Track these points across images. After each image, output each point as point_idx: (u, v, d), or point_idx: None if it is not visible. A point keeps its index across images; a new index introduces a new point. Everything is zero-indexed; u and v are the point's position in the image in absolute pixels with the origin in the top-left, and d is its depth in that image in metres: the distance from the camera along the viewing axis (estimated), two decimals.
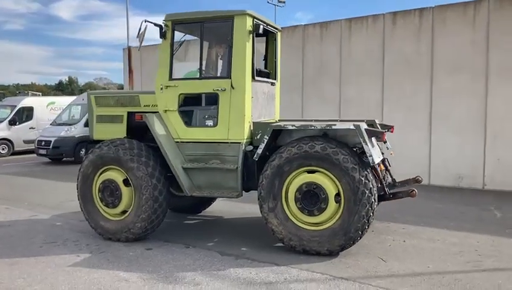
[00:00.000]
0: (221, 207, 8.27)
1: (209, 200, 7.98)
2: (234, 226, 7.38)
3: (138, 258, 5.63)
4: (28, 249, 6.09)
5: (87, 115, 17.44)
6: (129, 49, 7.79)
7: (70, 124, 17.15)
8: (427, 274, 4.89)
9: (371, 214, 5.34)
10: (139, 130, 6.88)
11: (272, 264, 5.29)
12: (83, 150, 17.03)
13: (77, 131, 16.82)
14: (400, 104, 11.14)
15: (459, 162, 10.31)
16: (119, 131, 6.89)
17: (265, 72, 6.94)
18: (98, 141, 7.10)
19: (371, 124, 6.33)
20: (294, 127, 5.74)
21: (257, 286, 4.66)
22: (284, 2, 26.49)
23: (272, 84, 7.05)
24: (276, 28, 7.06)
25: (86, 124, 17.23)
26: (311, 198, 5.48)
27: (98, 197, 6.42)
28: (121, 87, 53.28)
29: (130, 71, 7.86)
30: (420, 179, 6.60)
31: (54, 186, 11.21)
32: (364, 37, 11.74)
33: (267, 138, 5.75)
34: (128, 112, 6.88)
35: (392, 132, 5.75)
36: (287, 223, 5.60)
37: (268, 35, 7.11)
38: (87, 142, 7.42)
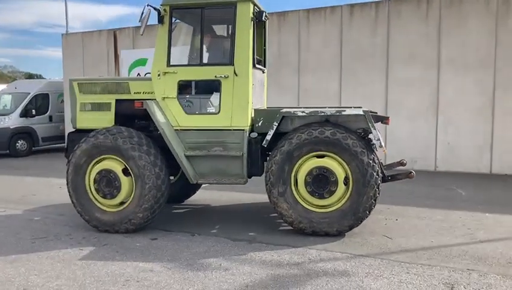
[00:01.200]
0: (206, 196, 8.24)
1: (194, 189, 7.92)
2: (228, 213, 7.41)
3: (148, 248, 5.51)
4: (20, 245, 5.71)
5: (23, 104, 16.50)
6: (115, 33, 7.44)
7: (2, 115, 16.00)
8: (435, 248, 5.32)
9: (378, 195, 5.67)
10: (126, 118, 6.68)
11: (288, 246, 5.44)
12: (19, 141, 16.04)
13: (12, 122, 15.78)
14: (356, 93, 11.71)
15: (413, 146, 11.09)
16: (106, 119, 6.63)
17: (258, 59, 7.00)
18: (81, 131, 6.83)
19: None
20: (304, 114, 5.89)
21: (287, 267, 4.78)
22: None
23: (263, 71, 7.14)
24: (266, 16, 7.14)
25: (23, 114, 16.16)
26: (321, 181, 5.69)
27: (93, 188, 6.14)
28: (29, 76, 49.51)
29: (116, 56, 7.51)
30: (405, 162, 7.07)
31: (2, 181, 10.45)
32: (322, 28, 12.15)
33: (277, 124, 5.86)
34: (117, 100, 6.63)
35: (388, 123, 6.10)
36: (297, 206, 5.78)
37: (259, 23, 7.15)
38: (70, 132, 7.04)
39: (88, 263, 5.03)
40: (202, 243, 5.64)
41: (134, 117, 6.76)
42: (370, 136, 5.95)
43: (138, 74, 15.07)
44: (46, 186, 9.75)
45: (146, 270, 4.80)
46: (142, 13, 6.01)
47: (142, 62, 15.04)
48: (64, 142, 16.85)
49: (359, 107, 6.52)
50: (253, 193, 8.38)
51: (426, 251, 5.21)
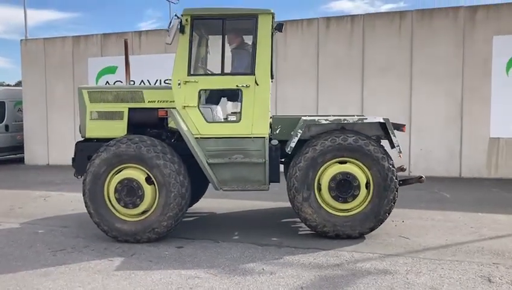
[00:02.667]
0: (206, 204, 8.27)
1: (197, 197, 7.94)
2: (239, 219, 7.50)
3: (180, 256, 5.51)
4: (43, 258, 5.50)
5: None
6: (125, 41, 7.31)
7: None
8: (453, 245, 5.74)
9: (396, 198, 6.03)
10: (138, 127, 6.66)
11: (318, 249, 5.65)
12: None
13: None
14: (333, 102, 12.20)
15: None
16: (118, 128, 6.57)
17: None
18: (90, 140, 6.72)
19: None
20: (327, 122, 6.16)
21: (330, 269, 4.99)
22: (178, 0, 26.40)
23: (272, 81, 7.34)
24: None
25: None
26: (343, 186, 5.97)
27: (113, 198, 6.05)
28: None
29: (127, 64, 7.39)
30: (404, 167, 7.53)
31: None
32: (299, 39, 12.56)
33: (301, 131, 6.08)
34: (129, 108, 6.59)
35: (403, 130, 6.49)
36: (320, 211, 6.01)
37: None
38: (78, 141, 6.87)
39: (128, 273, 4.96)
40: (232, 249, 5.72)
41: (146, 126, 6.74)
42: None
43: (107, 82, 14.80)
44: (29, 199, 9.33)
45: (192, 277, 4.83)
46: (170, 23, 6.03)
47: (111, 70, 14.80)
48: (23, 153, 16.18)
49: (359, 116, 6.88)
50: (253, 200, 8.53)
51: (447, 249, 5.62)
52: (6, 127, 16.24)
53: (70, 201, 9.02)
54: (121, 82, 14.50)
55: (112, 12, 67.37)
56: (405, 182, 6.54)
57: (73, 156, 6.83)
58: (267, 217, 7.62)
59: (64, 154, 15.11)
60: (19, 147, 16.48)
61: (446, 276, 4.70)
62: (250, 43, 6.77)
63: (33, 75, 15.68)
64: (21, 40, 16.09)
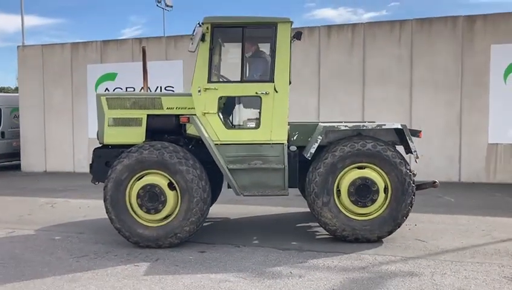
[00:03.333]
0: (218, 210, 8.33)
1: (211, 203, 7.99)
2: (253, 225, 7.59)
3: (205, 260, 5.57)
4: (67, 264, 5.51)
5: None
6: (143, 48, 7.37)
7: None
8: (469, 248, 5.91)
9: (413, 201, 6.19)
10: (155, 133, 6.73)
11: (340, 253, 5.76)
12: None
13: None
14: (334, 109, 12.38)
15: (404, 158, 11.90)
16: (136, 134, 6.64)
17: None
18: (107, 146, 6.77)
19: None
20: (346, 128, 6.31)
21: (357, 271, 5.10)
22: (172, 7, 26.42)
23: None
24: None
25: None
26: (362, 191, 6.11)
27: (135, 203, 6.09)
28: None
29: (145, 72, 7.45)
30: (415, 173, 7.69)
31: None
32: (300, 48, 12.68)
33: (321, 137, 6.21)
34: (148, 115, 6.66)
35: (420, 136, 6.66)
36: (340, 215, 6.14)
37: None
38: (96, 148, 6.90)
39: (157, 278, 5.00)
40: (255, 254, 5.80)
41: (164, 132, 6.81)
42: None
43: (106, 88, 14.80)
44: (35, 206, 9.28)
45: (223, 280, 4.90)
46: (194, 30, 6.13)
47: (110, 76, 14.81)
48: (19, 160, 16.02)
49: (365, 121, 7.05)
50: (264, 206, 8.64)
51: (464, 251, 5.78)
52: (2, 133, 16.09)
53: (79, 207, 9.01)
54: (121, 89, 14.53)
55: (94, 19, 67.03)
56: (419, 187, 6.69)
57: (90, 163, 6.86)
58: (282, 222, 7.72)
59: (63, 161, 15.11)
60: (15, 154, 16.33)
61: (471, 277, 4.84)
62: (265, 50, 6.93)
63: (30, 82, 15.59)
64: (18, 46, 16.00)
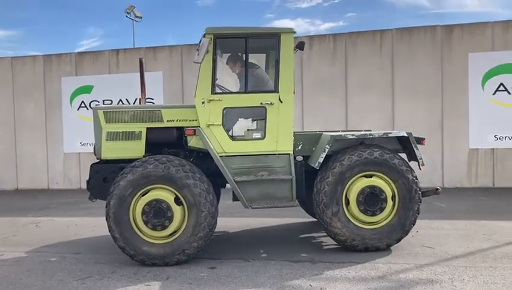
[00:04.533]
0: None
1: None
2: (256, 237, 7.44)
3: (219, 277, 5.40)
4: (73, 287, 5.22)
5: None
6: (140, 60, 7.15)
7: None
8: (477, 252, 6.00)
9: (420, 209, 6.24)
10: (155, 146, 6.55)
11: (353, 263, 5.72)
12: None
13: None
14: (318, 118, 12.45)
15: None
16: (136, 148, 6.43)
17: None
18: (107, 161, 6.52)
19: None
20: (354, 137, 6.31)
21: (376, 281, 5.06)
22: (141, 17, 26.04)
23: None
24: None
25: None
26: (371, 200, 6.11)
27: (140, 220, 5.86)
28: None
29: (142, 84, 7.22)
30: None
31: None
32: None
33: (329, 147, 6.18)
34: (148, 128, 6.46)
35: (423, 144, 6.72)
36: (349, 225, 6.11)
37: None
38: (93, 163, 6.63)
39: None
40: (267, 268, 5.68)
41: (164, 145, 6.63)
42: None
43: (82, 101, 14.39)
44: (18, 226, 8.82)
45: None
46: (200, 41, 6.00)
47: (86, 89, 14.42)
48: None
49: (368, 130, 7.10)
50: (261, 217, 8.52)
51: (474, 255, 5.86)
52: None
53: (67, 226, 8.63)
54: (98, 102, 14.13)
55: (49, 31, 65.12)
56: (423, 194, 6.75)
57: (88, 179, 6.58)
58: (285, 233, 7.63)
59: (36, 178, 14.51)
60: None
61: (490, 282, 4.90)
62: (256, 62, 6.88)
63: (0, 95, 14.92)
64: None
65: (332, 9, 66.76)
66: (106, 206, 5.91)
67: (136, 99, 13.83)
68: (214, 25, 6.19)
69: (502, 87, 11.46)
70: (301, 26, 79.04)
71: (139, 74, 7.38)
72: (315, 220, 7.96)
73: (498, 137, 11.54)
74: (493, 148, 11.65)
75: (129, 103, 13.78)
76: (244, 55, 6.34)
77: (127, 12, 25.13)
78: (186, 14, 69.17)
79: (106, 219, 5.91)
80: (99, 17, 63.28)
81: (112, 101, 13.97)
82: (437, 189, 6.69)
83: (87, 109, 14.23)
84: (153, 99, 13.75)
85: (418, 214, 6.23)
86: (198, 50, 6.02)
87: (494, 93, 11.52)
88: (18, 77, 14.85)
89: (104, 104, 13.87)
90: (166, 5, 68.41)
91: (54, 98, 14.52)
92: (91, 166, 6.58)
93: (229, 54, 6.80)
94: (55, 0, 69.48)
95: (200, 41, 6.05)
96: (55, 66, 14.56)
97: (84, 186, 13.94)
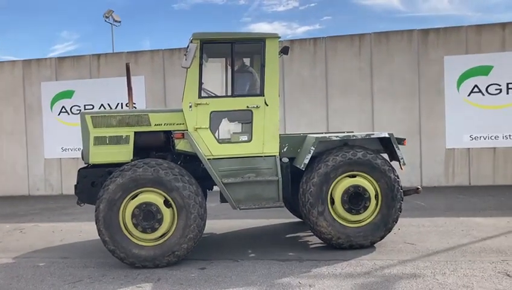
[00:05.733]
0: None
1: None
2: (243, 238, 7.55)
3: (210, 277, 5.51)
4: None
5: None
6: (127, 65, 7.18)
7: None
8: (457, 247, 6.26)
9: (402, 207, 6.48)
10: (143, 150, 6.64)
11: (339, 260, 5.90)
12: None
13: None
14: (300, 120, 12.67)
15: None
16: (124, 153, 6.50)
17: None
18: (94, 166, 6.57)
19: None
20: (338, 138, 6.50)
21: (363, 277, 5.25)
22: (120, 22, 25.90)
23: None
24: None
25: None
26: (355, 199, 6.31)
27: (130, 223, 5.93)
28: None
29: (129, 89, 7.26)
30: None
31: None
32: None
33: (314, 148, 6.36)
34: (135, 132, 6.54)
35: (404, 144, 6.94)
36: (334, 223, 6.31)
37: None
38: (81, 168, 6.67)
39: None
40: (256, 267, 5.81)
41: (152, 149, 6.72)
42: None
43: (63, 106, 14.30)
44: (2, 232, 8.75)
45: None
46: (188, 47, 6.12)
47: (67, 94, 14.35)
48: None
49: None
50: (244, 219, 8.66)
51: (453, 250, 6.12)
52: None
53: (52, 231, 8.60)
54: (79, 106, 14.07)
55: (20, 35, 63.89)
56: (404, 193, 6.99)
57: (75, 183, 6.62)
58: (270, 233, 7.78)
59: (16, 185, 14.34)
60: None
61: (470, 275, 5.14)
62: (252, 65, 7.05)
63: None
64: None
65: (308, 13, 67.43)
66: (96, 210, 5.96)
67: (118, 104, 13.84)
68: (191, 29, 6.34)
69: (476, 89, 11.87)
70: (278, 30, 79.66)
71: (124, 78, 7.48)
72: (300, 220, 8.15)
73: (473, 137, 11.94)
74: (469, 148, 12.04)
75: (111, 108, 13.76)
76: (230, 59, 6.48)
77: (106, 17, 24.99)
78: (162, 17, 68.80)
79: (96, 222, 5.96)
80: (72, 21, 62.38)
81: (93, 106, 13.92)
82: (418, 188, 6.92)
83: (68, 114, 14.17)
84: (135, 104, 13.76)
85: (400, 212, 6.46)
86: (186, 55, 6.13)
87: (469, 95, 11.92)
88: None
89: (85, 109, 13.82)
90: (141, 8, 67.91)
91: (33, 103, 14.39)
92: (79, 171, 6.62)
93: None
94: (25, 4, 68.25)
95: (188, 46, 6.16)
96: (35, 71, 14.43)
97: (65, 191, 13.96)
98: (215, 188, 6.62)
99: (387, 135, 6.57)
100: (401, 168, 6.70)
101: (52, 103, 14.34)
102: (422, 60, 12.16)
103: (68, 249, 7.28)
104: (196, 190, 6.01)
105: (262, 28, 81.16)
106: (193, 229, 5.95)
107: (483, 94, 11.87)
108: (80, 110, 13.77)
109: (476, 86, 11.88)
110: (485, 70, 11.81)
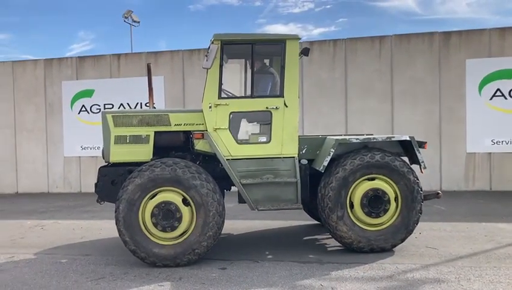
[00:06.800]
0: None
1: None
2: (261, 239, 7.55)
3: (230, 277, 5.51)
4: (88, 287, 5.30)
5: None
6: (148, 65, 7.25)
7: None
8: (481, 253, 6.16)
9: (422, 208, 6.40)
10: (162, 150, 6.67)
11: (361, 263, 5.84)
12: None
13: None
14: (318, 122, 12.62)
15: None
16: (143, 152, 6.54)
17: None
18: (115, 164, 6.62)
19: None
20: (358, 140, 6.46)
21: (385, 281, 5.19)
22: (139, 22, 26.16)
23: None
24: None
25: None
26: (374, 202, 6.25)
27: (149, 223, 5.97)
28: None
29: (150, 89, 7.33)
30: None
31: None
32: None
33: (333, 150, 6.32)
34: (155, 132, 6.57)
35: (425, 147, 6.87)
36: (354, 227, 6.25)
37: None
38: (101, 166, 6.73)
39: None
40: (277, 268, 5.79)
41: (171, 149, 6.75)
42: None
43: (83, 105, 14.46)
44: (24, 229, 8.87)
45: None
46: (209, 47, 6.14)
47: (87, 93, 14.50)
48: None
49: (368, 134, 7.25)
50: (265, 220, 8.64)
51: (477, 256, 6.02)
52: None
53: (73, 229, 8.70)
54: (99, 106, 14.22)
55: (39, 34, 64.78)
56: (424, 197, 6.90)
57: (96, 182, 6.68)
58: (288, 235, 7.76)
59: (36, 182, 14.54)
60: None
61: (495, 281, 5.05)
62: (272, 66, 7.04)
63: (0, 99, 14.95)
64: None
65: (324, 15, 67.10)
66: (115, 211, 6.01)
67: (137, 103, 13.96)
68: (206, 30, 6.38)
69: (498, 93, 11.69)
70: (293, 31, 79.52)
71: (144, 78, 7.55)
72: (317, 222, 8.11)
73: (495, 141, 11.75)
74: (490, 153, 11.86)
75: (130, 107, 13.88)
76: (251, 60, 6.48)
77: (125, 17, 25.26)
78: (178, 18, 69.12)
79: (116, 223, 6.00)
80: (89, 21, 63.09)
81: (112, 105, 14.06)
82: (438, 193, 6.84)
83: (88, 112, 14.33)
84: (155, 103, 13.83)
85: (421, 213, 6.38)
86: (207, 56, 6.16)
87: (491, 99, 11.74)
88: (19, 81, 14.90)
89: (105, 108, 13.97)
90: (157, 9, 68.35)
91: (54, 101, 14.59)
92: (99, 169, 6.68)
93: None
94: (44, 4, 69.27)
95: (209, 47, 6.18)
96: (56, 70, 14.64)
97: (84, 189, 14.12)
98: (233, 188, 6.63)
99: (408, 138, 6.49)
100: (422, 172, 6.61)
101: (73, 102, 14.52)
102: (443, 63, 12.02)
103: (89, 246, 7.35)
104: (214, 188, 6.02)
105: (277, 29, 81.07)
106: (212, 226, 5.96)
107: (505, 98, 11.68)
108: (100, 109, 13.93)
109: (498, 89, 11.71)
110: (508, 73, 11.63)
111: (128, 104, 14.00)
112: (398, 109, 12.28)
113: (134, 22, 25.79)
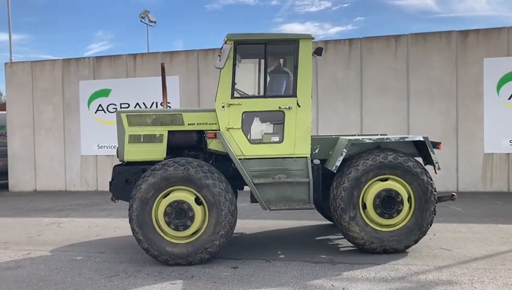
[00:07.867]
0: None
1: None
2: (273, 239, 7.55)
3: (242, 276, 5.53)
4: (102, 285, 5.38)
5: None
6: (162, 65, 7.33)
7: None
8: (496, 255, 6.07)
9: (436, 209, 6.33)
10: (176, 149, 6.71)
11: (373, 264, 5.81)
12: None
13: None
14: (333, 122, 12.56)
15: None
16: (157, 151, 6.59)
17: None
18: (129, 163, 6.69)
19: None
20: (371, 141, 6.42)
21: (397, 282, 5.15)
22: (155, 22, 26.41)
23: None
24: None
25: None
26: (387, 203, 6.20)
27: (162, 221, 6.02)
28: None
29: (164, 88, 7.41)
30: None
31: None
32: None
33: (346, 150, 6.29)
34: (169, 131, 6.62)
35: (439, 148, 6.79)
36: (367, 228, 6.21)
37: None
38: (116, 165, 6.82)
39: None
40: (289, 268, 5.80)
41: (185, 148, 6.79)
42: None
43: (100, 104, 14.64)
44: (41, 226, 9.04)
45: None
46: (222, 47, 6.17)
47: (104, 93, 14.67)
48: (7, 179, 15.57)
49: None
50: (276, 220, 8.65)
51: (493, 258, 5.93)
52: None
53: (88, 227, 8.82)
54: (115, 105, 14.38)
55: (58, 34, 65.89)
56: (438, 199, 6.82)
57: (110, 180, 6.76)
58: (301, 235, 7.75)
59: (53, 180, 14.78)
60: (2, 173, 15.90)
61: (510, 284, 4.97)
62: (285, 66, 7.03)
63: (19, 99, 15.27)
64: (5, 63, 15.71)
65: (341, 14, 66.77)
66: (129, 209, 6.08)
67: (153, 103, 14.08)
68: (223, 30, 6.42)
69: None
70: (310, 30, 79.27)
71: (159, 78, 7.55)
72: (330, 223, 8.08)
73: None
74: (508, 153, 11.67)
75: (146, 107, 14.01)
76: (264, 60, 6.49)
77: (142, 17, 25.48)
78: (195, 18, 69.56)
79: (129, 221, 6.07)
80: (107, 21, 63.98)
81: (129, 104, 14.21)
82: (453, 195, 6.75)
83: (105, 112, 14.51)
84: (169, 103, 13.94)
85: (435, 214, 6.31)
86: (220, 56, 6.18)
87: (509, 98, 11.55)
88: (37, 81, 15.17)
89: (121, 107, 14.13)
90: (174, 9, 68.91)
91: (72, 101, 14.81)
92: (114, 168, 6.76)
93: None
94: (63, 5, 70.41)
95: (222, 47, 6.21)
96: (74, 70, 14.86)
97: (100, 188, 14.30)
98: (246, 188, 6.65)
99: (421, 139, 6.43)
100: (436, 172, 6.53)
101: (90, 101, 14.73)
102: (460, 62, 11.86)
103: (104, 244, 7.45)
104: (226, 187, 6.05)
105: (294, 28, 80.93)
106: (224, 225, 5.99)
107: None
108: (116, 108, 14.10)
109: None
110: None
111: (144, 103, 14.14)
112: (414, 108, 12.16)
113: (151, 22, 26.02)
